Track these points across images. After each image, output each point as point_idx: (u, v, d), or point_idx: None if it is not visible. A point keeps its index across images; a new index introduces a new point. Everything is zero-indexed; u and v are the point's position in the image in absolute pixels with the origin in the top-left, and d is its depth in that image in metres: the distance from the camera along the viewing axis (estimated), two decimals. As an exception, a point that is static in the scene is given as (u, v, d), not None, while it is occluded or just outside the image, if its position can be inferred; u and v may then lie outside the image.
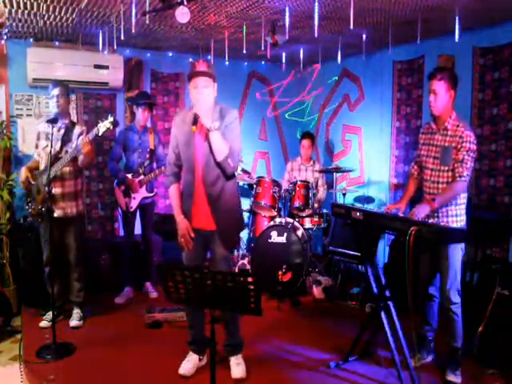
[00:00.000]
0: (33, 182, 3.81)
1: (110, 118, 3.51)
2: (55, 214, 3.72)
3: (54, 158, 3.66)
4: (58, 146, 3.74)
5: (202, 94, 2.87)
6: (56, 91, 3.79)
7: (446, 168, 3.01)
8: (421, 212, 2.87)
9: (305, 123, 6.56)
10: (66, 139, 3.78)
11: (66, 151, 3.70)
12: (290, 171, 5.49)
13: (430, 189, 3.12)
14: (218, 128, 2.85)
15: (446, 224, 3.01)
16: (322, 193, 5.36)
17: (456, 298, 3.02)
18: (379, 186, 5.45)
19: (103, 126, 3.50)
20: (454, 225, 3.01)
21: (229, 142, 2.90)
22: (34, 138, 3.93)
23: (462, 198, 3.04)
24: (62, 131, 3.81)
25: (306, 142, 5.38)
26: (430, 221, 2.94)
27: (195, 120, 2.89)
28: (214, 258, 3.09)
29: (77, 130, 3.83)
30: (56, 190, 3.74)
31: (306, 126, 6.45)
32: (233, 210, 3.10)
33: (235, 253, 5.36)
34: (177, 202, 3.08)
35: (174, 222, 3.07)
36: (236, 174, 3.17)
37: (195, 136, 2.96)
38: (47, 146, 3.60)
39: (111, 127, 3.52)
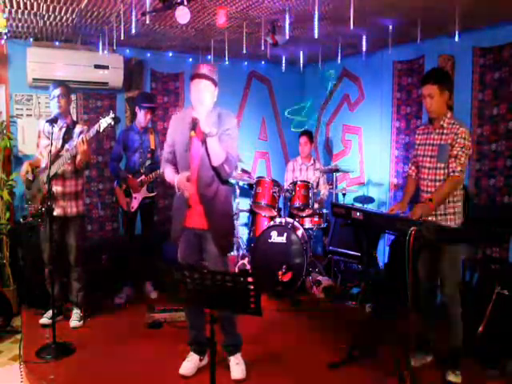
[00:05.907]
0: (30, 178, 3.81)
1: (112, 114, 3.56)
2: (55, 213, 3.71)
3: (56, 156, 3.68)
4: (59, 144, 3.77)
5: (203, 97, 2.89)
6: (57, 91, 3.79)
7: (443, 165, 3.02)
8: (420, 212, 2.86)
9: (304, 122, 6.56)
10: (67, 138, 3.80)
11: (67, 149, 3.72)
12: (292, 171, 5.49)
13: (427, 187, 3.13)
14: (215, 134, 2.85)
15: (444, 222, 3.01)
16: (323, 193, 5.35)
17: (456, 294, 3.03)
18: (379, 185, 5.44)
19: (104, 122, 3.53)
20: (452, 222, 3.02)
21: (226, 148, 2.90)
22: (35, 137, 3.94)
23: (458, 196, 3.05)
24: (64, 130, 3.82)
25: (303, 139, 5.37)
26: (429, 219, 2.94)
27: (194, 125, 2.89)
28: (207, 257, 3.08)
29: (77, 128, 3.85)
30: (57, 189, 3.75)
31: (305, 126, 6.45)
32: (225, 214, 3.09)
33: (235, 253, 5.35)
34: (173, 173, 3.03)
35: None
36: (230, 180, 3.15)
37: (192, 139, 2.96)
38: (48, 144, 3.61)
39: (112, 123, 3.55)
